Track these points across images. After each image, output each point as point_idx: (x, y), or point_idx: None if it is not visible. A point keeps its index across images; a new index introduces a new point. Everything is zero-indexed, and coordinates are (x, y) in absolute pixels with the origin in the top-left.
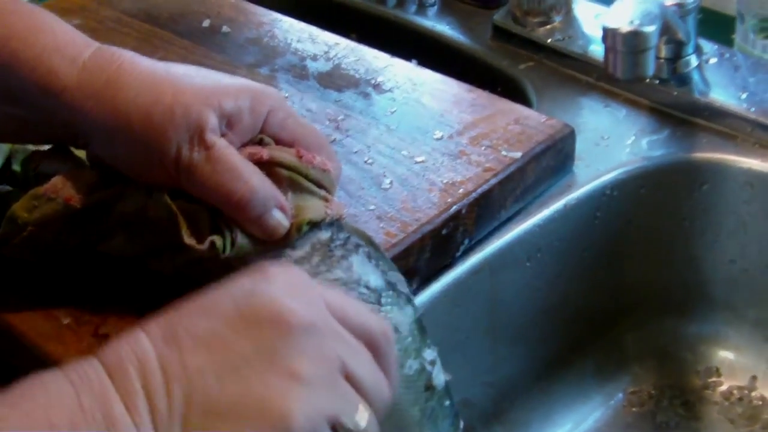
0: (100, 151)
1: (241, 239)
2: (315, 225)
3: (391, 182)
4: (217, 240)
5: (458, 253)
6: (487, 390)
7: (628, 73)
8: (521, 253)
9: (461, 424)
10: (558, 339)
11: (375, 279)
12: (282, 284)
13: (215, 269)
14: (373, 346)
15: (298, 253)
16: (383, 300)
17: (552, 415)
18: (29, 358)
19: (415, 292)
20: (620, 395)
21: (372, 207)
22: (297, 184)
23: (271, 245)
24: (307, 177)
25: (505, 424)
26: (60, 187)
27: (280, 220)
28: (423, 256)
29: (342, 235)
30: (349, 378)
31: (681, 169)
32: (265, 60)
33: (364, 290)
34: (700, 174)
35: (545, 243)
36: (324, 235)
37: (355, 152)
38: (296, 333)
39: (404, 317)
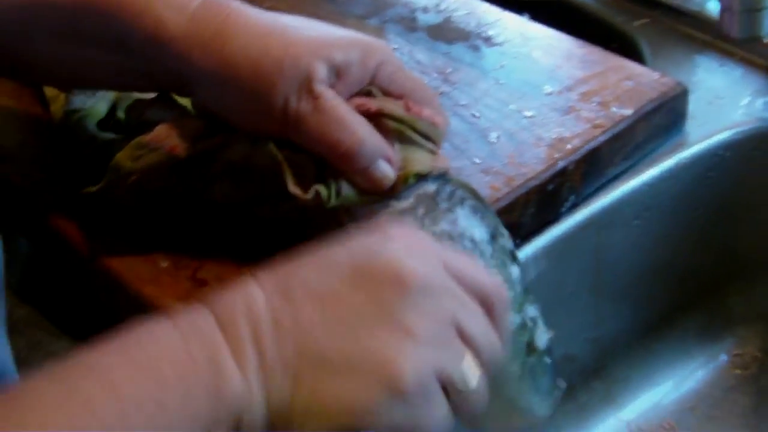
0: (206, 101)
1: (346, 190)
2: (421, 177)
3: (498, 136)
4: (322, 190)
5: (563, 209)
6: (589, 346)
7: (743, 32)
8: (629, 211)
9: (563, 384)
10: (663, 298)
11: (480, 233)
12: (402, 244)
13: (319, 218)
14: (487, 304)
15: (403, 204)
16: (487, 254)
17: (653, 374)
18: (126, 301)
19: (519, 246)
20: (724, 357)
21: (478, 161)
22: (404, 137)
23: (377, 196)
24: (414, 129)
25: (606, 380)
26: (164, 137)
27: (387, 171)
28: (528, 212)
29: (448, 188)
30: (462, 335)
31: None
32: (374, 11)
33: (469, 243)
34: None
35: (654, 202)
36: (430, 187)
37: (463, 105)
38: (413, 292)
39: (507, 272)
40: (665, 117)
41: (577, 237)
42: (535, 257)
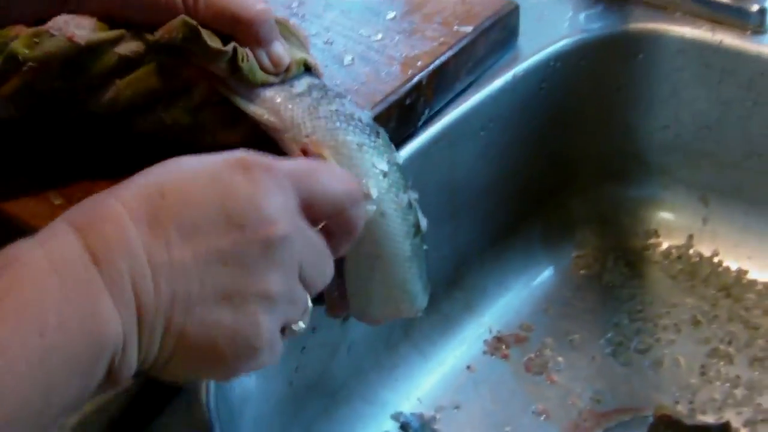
0: (95, 5)
1: (252, 61)
2: (308, 69)
3: (352, 59)
4: (239, 48)
5: (420, 123)
6: (447, 258)
7: None
8: (476, 123)
9: (429, 284)
10: (508, 208)
11: (366, 117)
12: (260, 182)
13: (195, 136)
14: (350, 203)
15: (298, 89)
16: (373, 134)
17: (506, 280)
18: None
19: None
20: (567, 259)
21: (337, 82)
22: (285, 36)
23: (275, 77)
24: (287, 29)
25: (464, 289)
26: (63, 25)
27: (283, 52)
28: (389, 126)
29: (330, 86)
30: (302, 277)
31: (617, 40)
32: None
33: (359, 123)
34: (635, 44)
35: (496, 113)
36: (316, 81)
37: (314, 34)
38: (274, 245)
39: (393, 154)
40: (501, 32)
41: (433, 151)
42: None
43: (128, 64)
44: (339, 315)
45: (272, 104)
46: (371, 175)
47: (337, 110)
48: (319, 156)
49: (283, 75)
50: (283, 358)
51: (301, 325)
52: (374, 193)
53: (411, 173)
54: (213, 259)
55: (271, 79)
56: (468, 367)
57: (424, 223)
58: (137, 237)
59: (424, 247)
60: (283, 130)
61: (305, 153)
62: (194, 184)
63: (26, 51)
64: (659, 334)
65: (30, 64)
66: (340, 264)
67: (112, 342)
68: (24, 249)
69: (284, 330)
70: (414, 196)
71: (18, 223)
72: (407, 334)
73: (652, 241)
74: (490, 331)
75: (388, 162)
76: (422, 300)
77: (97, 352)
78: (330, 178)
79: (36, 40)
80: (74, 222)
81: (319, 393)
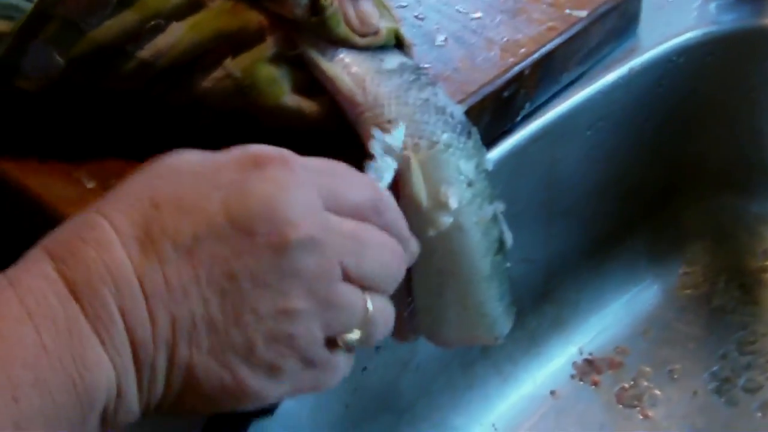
0: None
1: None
2: (400, 44)
3: (445, 39)
4: None
5: (518, 118)
6: (537, 268)
7: None
8: (582, 120)
9: (514, 307)
10: (612, 215)
11: (459, 112)
12: (276, 179)
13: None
14: (374, 213)
15: (389, 65)
16: (464, 134)
17: (603, 296)
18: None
19: None
20: (674, 277)
21: (427, 65)
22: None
23: (364, 41)
24: (381, 2)
25: (555, 303)
26: None
27: (372, 9)
28: (482, 120)
29: (423, 69)
30: (351, 277)
31: (751, 35)
32: None
33: (450, 118)
34: None
35: (607, 111)
36: (410, 61)
37: (404, 6)
38: (292, 251)
39: (482, 158)
40: (619, 20)
41: (531, 149)
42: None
43: (190, 4)
44: (407, 338)
45: (356, 73)
46: (454, 182)
47: (428, 99)
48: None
49: (371, 39)
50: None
51: (355, 335)
52: (453, 203)
53: (503, 173)
54: (218, 275)
55: (356, 39)
56: (552, 393)
57: (509, 238)
58: (125, 260)
59: (507, 264)
60: (364, 107)
61: None
62: (194, 187)
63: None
64: None
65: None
66: (408, 280)
67: (103, 391)
68: None
69: (334, 342)
70: (501, 207)
71: (46, 208)
72: (485, 352)
73: None
74: (581, 353)
75: (476, 168)
76: (503, 325)
77: (85, 407)
78: (353, 180)
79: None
80: (52, 250)
81: (380, 415)
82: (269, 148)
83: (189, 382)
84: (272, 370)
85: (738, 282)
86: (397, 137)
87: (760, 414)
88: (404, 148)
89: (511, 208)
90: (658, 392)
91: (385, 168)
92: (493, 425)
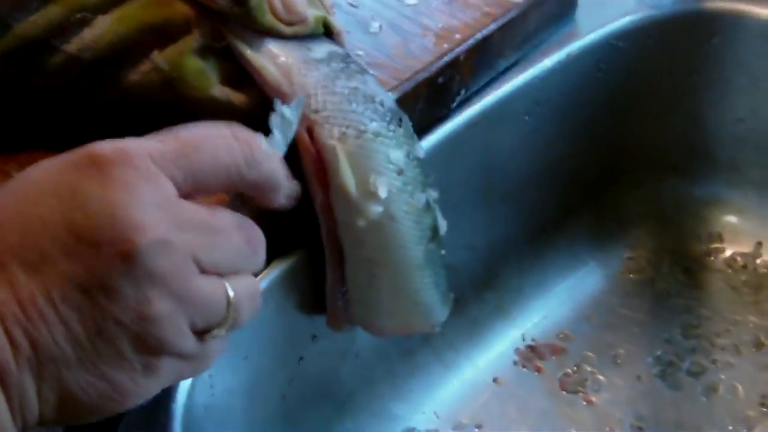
0: None
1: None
2: (329, 32)
3: (380, 26)
4: None
5: (454, 105)
6: (478, 255)
7: None
8: (519, 106)
9: (451, 294)
10: (552, 201)
11: (388, 100)
12: (117, 181)
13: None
14: (248, 168)
15: (316, 54)
16: (395, 122)
17: (545, 282)
18: None
19: None
20: (617, 261)
21: (360, 52)
22: None
23: (290, 30)
24: None
25: (497, 290)
26: None
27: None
28: (417, 107)
29: (353, 57)
30: (207, 268)
31: (690, 19)
32: None
33: (379, 107)
34: (711, 24)
35: (545, 96)
36: (339, 50)
37: None
38: (142, 257)
39: (414, 146)
40: (556, 5)
41: (467, 134)
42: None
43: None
44: (341, 327)
45: (283, 63)
46: (383, 171)
47: (356, 88)
48: (327, 142)
49: (298, 27)
50: (273, 370)
51: (223, 324)
52: (383, 193)
53: (438, 160)
54: (71, 291)
55: (283, 28)
56: (495, 380)
57: (443, 226)
58: None
59: (442, 252)
60: (291, 98)
61: (309, 132)
62: (37, 199)
63: None
64: (716, 356)
65: None
66: (341, 269)
67: None
68: None
69: (203, 335)
70: (434, 195)
71: None
72: (426, 340)
73: (715, 246)
74: (524, 339)
75: (407, 156)
76: (439, 313)
77: None
78: (213, 145)
79: None
80: None
81: (319, 406)
82: (108, 145)
83: (65, 396)
84: (147, 370)
85: (682, 266)
86: (295, 108)
87: (704, 398)
88: (311, 124)
89: (448, 195)
90: (601, 377)
91: (281, 139)
92: (435, 413)
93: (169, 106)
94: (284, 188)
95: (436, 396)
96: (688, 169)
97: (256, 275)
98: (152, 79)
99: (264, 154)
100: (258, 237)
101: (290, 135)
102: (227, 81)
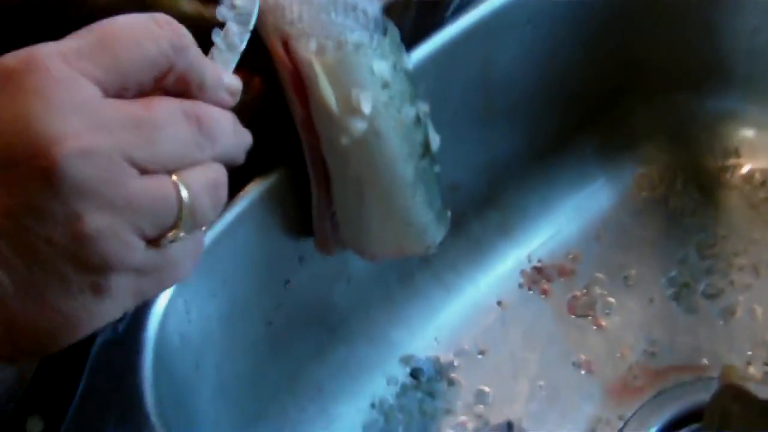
0: None
1: None
2: None
3: None
4: None
5: (448, 13)
6: (479, 173)
7: None
8: (521, 13)
9: (448, 211)
10: (558, 115)
11: (373, 9)
12: (27, 90)
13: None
14: (176, 55)
15: None
16: (379, 32)
17: (551, 200)
18: None
19: None
20: (628, 178)
21: None
22: None
23: None
24: None
25: (501, 209)
26: None
27: None
28: (407, 16)
29: None
30: (148, 168)
31: None
32: None
33: (361, 15)
34: None
35: (548, 4)
36: None
37: None
38: (65, 170)
39: (402, 58)
40: None
41: (464, 44)
42: (417, 69)
43: None
44: (331, 251)
45: None
46: (366, 84)
47: None
48: (303, 56)
49: None
50: (257, 294)
51: (179, 228)
52: (366, 108)
53: (431, 72)
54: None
55: None
56: (499, 303)
57: (435, 140)
58: None
59: (436, 169)
60: (265, 9)
61: (285, 45)
62: None
63: None
64: (733, 276)
65: None
66: (328, 189)
67: None
68: None
69: (158, 241)
70: (425, 108)
71: None
72: (426, 262)
73: (731, 161)
74: (529, 260)
75: (393, 68)
76: (435, 233)
77: None
78: (134, 33)
79: None
80: None
81: (309, 333)
82: (12, 54)
83: (14, 329)
84: (97, 292)
85: (696, 183)
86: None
87: (721, 321)
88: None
89: (444, 111)
90: (612, 300)
91: (237, 31)
92: (436, 340)
93: None
94: (218, 81)
95: (436, 320)
96: (700, 82)
97: (234, 164)
98: None
99: (190, 38)
100: (213, 120)
101: (250, 25)
102: None
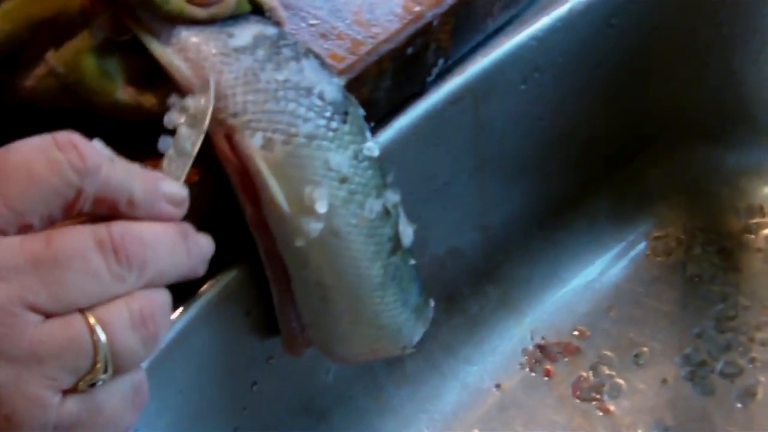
0: None
1: None
2: (258, 9)
3: None
4: None
5: (430, 78)
6: (476, 244)
7: None
8: (514, 74)
9: (431, 302)
10: (564, 176)
11: (331, 91)
12: None
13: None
14: (85, 179)
15: (238, 42)
16: (338, 118)
17: (558, 270)
18: None
19: (374, 132)
20: (642, 243)
21: (314, 21)
22: None
23: (205, 13)
24: None
25: (500, 282)
26: None
27: None
28: (382, 85)
29: (290, 38)
30: (51, 311)
31: None
32: None
33: (318, 101)
34: None
35: (545, 60)
36: (269, 30)
37: None
38: None
39: (362, 147)
40: None
41: (450, 112)
42: (397, 143)
43: None
44: (299, 351)
45: (194, 57)
46: (322, 180)
47: (287, 80)
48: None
49: (215, 9)
50: (220, 400)
51: (99, 373)
52: (321, 207)
53: (415, 143)
54: None
55: (194, 11)
56: (497, 386)
57: (407, 233)
58: None
59: (411, 262)
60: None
61: (230, 142)
62: None
63: None
64: (755, 353)
65: None
66: (289, 290)
67: None
68: None
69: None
70: (393, 199)
71: None
72: (417, 344)
73: (756, 220)
74: (532, 338)
75: (355, 158)
76: (410, 333)
77: None
78: (26, 162)
79: None
80: None
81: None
82: None
83: None
84: None
85: (717, 246)
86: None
87: (740, 404)
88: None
89: (432, 183)
90: (621, 382)
91: (188, 136)
92: (427, 428)
93: (79, 112)
94: (153, 193)
95: (428, 408)
96: (721, 134)
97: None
98: (49, 84)
99: (99, 157)
100: (140, 242)
101: (203, 126)
102: (134, 80)
